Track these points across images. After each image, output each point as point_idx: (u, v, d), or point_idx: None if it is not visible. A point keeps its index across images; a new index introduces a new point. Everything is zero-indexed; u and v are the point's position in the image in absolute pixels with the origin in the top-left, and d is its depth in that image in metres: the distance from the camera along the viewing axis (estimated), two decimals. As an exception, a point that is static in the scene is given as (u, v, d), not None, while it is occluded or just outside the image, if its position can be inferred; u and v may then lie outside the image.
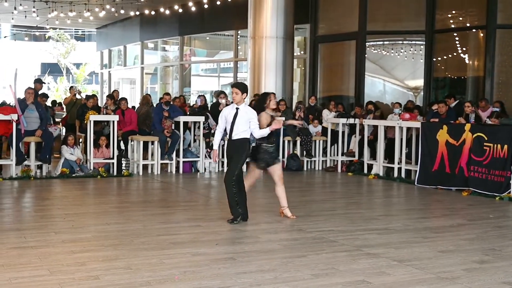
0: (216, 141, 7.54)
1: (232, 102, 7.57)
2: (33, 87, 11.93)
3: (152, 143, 12.26)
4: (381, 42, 16.33)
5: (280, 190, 7.61)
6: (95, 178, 11.09)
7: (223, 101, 12.56)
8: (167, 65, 24.34)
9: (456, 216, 8.16)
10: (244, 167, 8.23)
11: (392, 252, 5.92)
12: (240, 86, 7.31)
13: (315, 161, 13.55)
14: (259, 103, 7.67)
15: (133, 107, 13.20)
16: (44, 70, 40.12)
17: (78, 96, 14.71)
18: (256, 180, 7.78)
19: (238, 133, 7.21)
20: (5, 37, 40.61)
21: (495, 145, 9.69)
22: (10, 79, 12.39)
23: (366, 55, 15.90)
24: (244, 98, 7.33)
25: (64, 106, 15.79)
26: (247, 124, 7.21)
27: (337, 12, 16.79)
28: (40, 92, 12.79)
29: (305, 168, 13.31)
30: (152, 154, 12.36)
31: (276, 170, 7.54)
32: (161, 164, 12.16)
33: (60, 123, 15.15)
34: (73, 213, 7.71)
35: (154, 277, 4.88)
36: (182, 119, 12.21)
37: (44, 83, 13.98)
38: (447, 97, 12.85)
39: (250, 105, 12.02)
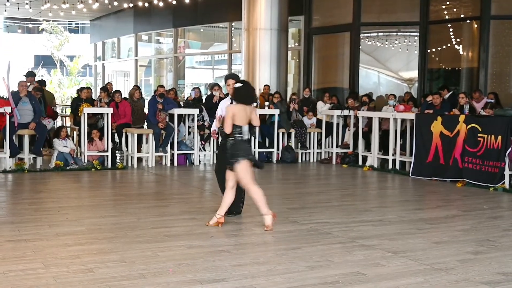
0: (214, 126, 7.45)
1: (226, 95, 7.56)
2: (25, 79, 11.90)
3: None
4: (376, 34, 16.30)
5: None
6: (89, 171, 11.06)
7: (216, 93, 12.53)
8: (161, 58, 24.24)
9: (451, 207, 8.19)
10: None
11: (387, 243, 5.93)
12: (236, 77, 7.37)
13: (309, 153, 13.55)
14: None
15: (125, 98, 13.15)
16: (37, 62, 39.89)
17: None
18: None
19: None
20: (-2, 29, 40.38)
21: (489, 136, 9.71)
22: (3, 71, 12.32)
23: (360, 47, 15.88)
24: None
25: None
26: None
27: (331, 4, 16.75)
28: (33, 86, 12.74)
29: (299, 160, 13.31)
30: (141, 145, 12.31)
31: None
32: (156, 156, 12.14)
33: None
34: (68, 206, 7.70)
35: (149, 270, 4.87)
36: (176, 111, 12.17)
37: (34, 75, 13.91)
38: (441, 88, 12.85)
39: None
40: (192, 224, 6.72)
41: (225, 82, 7.35)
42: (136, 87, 13.98)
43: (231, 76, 7.37)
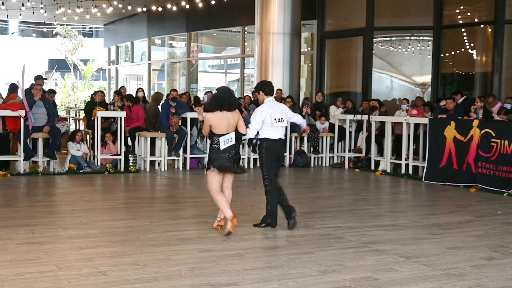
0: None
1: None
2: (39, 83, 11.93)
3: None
4: (389, 38, 16.28)
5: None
6: (102, 174, 11.11)
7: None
8: (174, 62, 24.34)
9: (464, 212, 8.14)
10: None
11: (400, 248, 5.91)
12: (255, 87, 7.13)
13: (322, 157, 13.54)
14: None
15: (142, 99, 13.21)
16: (51, 66, 40.17)
17: None
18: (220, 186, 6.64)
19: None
20: (13, 33, 40.73)
21: (503, 141, 9.65)
22: (17, 75, 12.41)
23: (373, 51, 15.85)
24: (266, 94, 6.90)
25: None
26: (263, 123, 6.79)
27: (344, 8, 16.75)
28: (48, 89, 12.81)
29: (312, 165, 13.30)
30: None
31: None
32: (168, 160, 12.18)
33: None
34: (81, 209, 7.73)
35: (161, 273, 4.88)
36: (189, 115, 12.21)
37: (46, 78, 13.79)
38: (455, 93, 12.78)
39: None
40: (205, 227, 6.73)
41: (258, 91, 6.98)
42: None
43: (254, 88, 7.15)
